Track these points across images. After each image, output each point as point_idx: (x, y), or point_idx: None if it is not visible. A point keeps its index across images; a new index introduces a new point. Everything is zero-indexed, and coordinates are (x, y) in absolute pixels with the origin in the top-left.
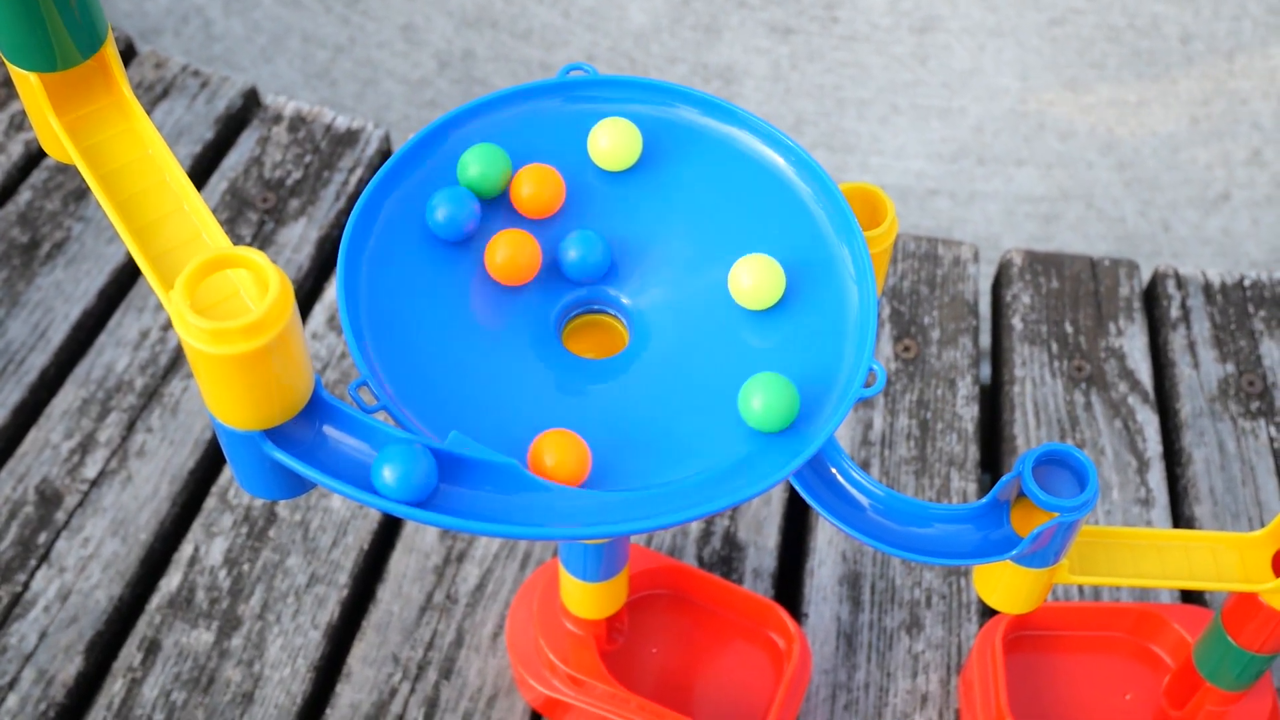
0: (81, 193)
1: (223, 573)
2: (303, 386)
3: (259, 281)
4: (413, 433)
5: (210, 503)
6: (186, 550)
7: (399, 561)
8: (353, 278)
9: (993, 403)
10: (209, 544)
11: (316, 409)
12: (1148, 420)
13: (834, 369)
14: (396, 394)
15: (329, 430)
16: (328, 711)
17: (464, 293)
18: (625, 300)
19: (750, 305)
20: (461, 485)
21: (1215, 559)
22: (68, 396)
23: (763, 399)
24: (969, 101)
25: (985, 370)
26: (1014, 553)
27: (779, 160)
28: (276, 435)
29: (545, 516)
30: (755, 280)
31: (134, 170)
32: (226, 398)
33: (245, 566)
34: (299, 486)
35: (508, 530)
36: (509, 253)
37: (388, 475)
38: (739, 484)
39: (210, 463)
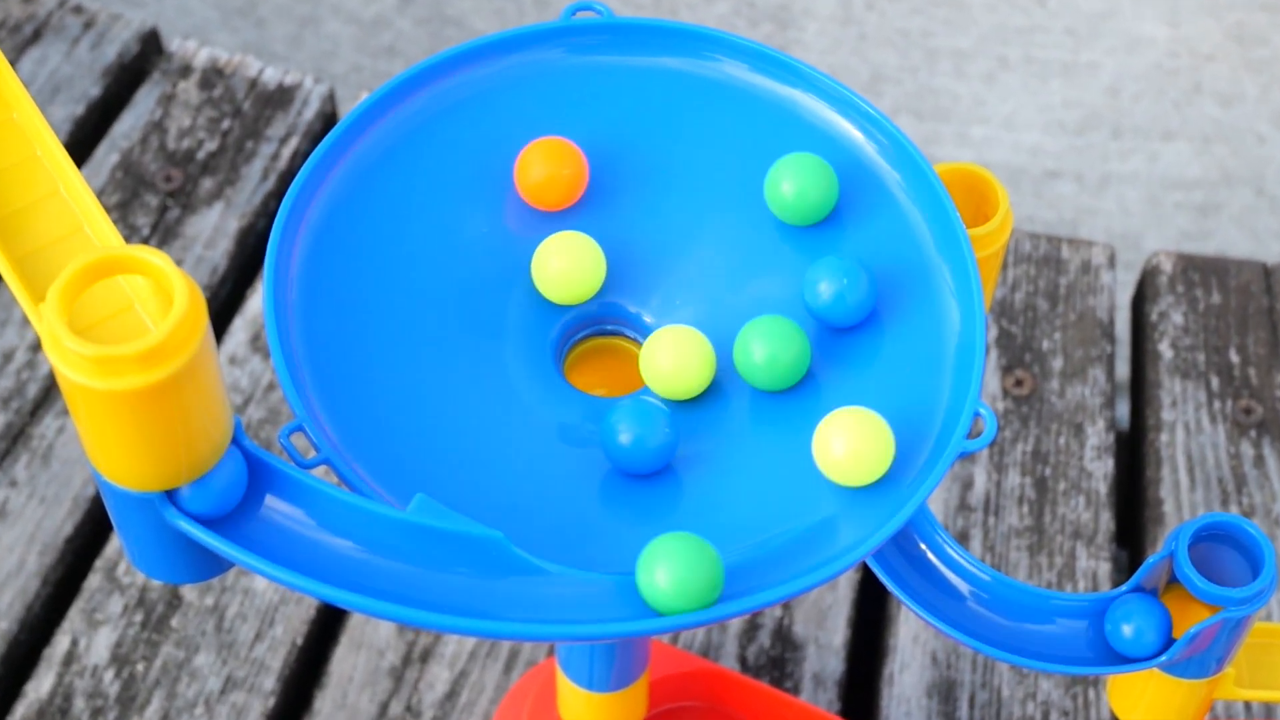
0: None
1: (109, 674)
2: (217, 433)
3: (160, 292)
4: (365, 495)
5: (94, 581)
6: (62, 644)
7: (343, 661)
8: (284, 285)
9: (1132, 456)
10: (92, 636)
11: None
12: None
13: (927, 414)
14: (343, 442)
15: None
16: None
17: (435, 307)
18: (648, 319)
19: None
20: (427, 566)
21: None
22: None
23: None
24: (1101, 54)
25: (1123, 412)
26: (1164, 659)
27: (855, 134)
28: (182, 498)
29: (541, 609)
30: (853, 448)
31: None
32: (115, 448)
33: (140, 666)
34: (211, 566)
35: (491, 628)
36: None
37: None
38: (798, 567)
39: (94, 527)
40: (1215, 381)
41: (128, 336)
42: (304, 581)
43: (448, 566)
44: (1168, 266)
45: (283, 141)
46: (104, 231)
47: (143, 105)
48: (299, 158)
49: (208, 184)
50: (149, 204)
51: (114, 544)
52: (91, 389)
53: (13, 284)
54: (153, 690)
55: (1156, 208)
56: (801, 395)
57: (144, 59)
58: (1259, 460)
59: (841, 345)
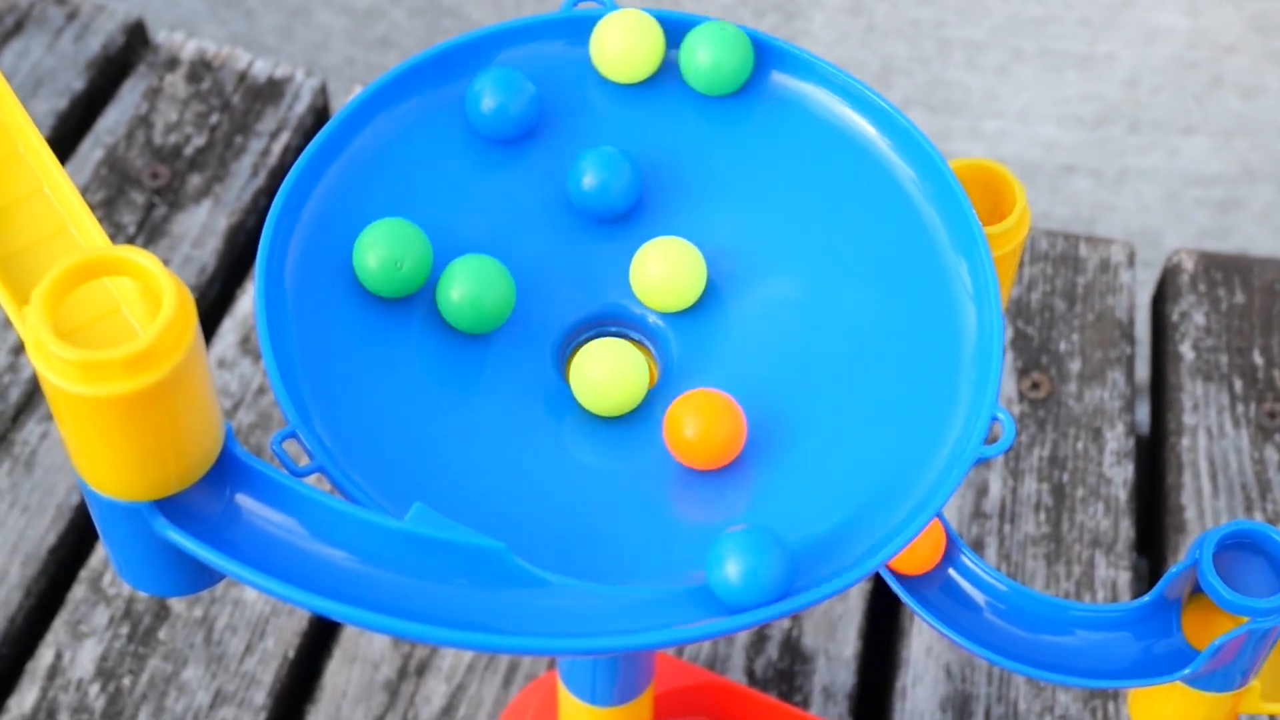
0: None
1: (95, 688)
2: (208, 440)
3: (148, 294)
4: (362, 504)
5: (79, 592)
6: (45, 657)
7: (337, 674)
8: (276, 285)
9: (1153, 461)
10: (76, 648)
11: (227, 471)
12: None
13: (943, 419)
14: (337, 449)
15: (244, 500)
16: None
17: (434, 307)
18: (653, 319)
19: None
20: (425, 577)
21: None
22: None
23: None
24: (1118, 45)
25: (1143, 415)
26: (1187, 671)
27: (867, 128)
28: (171, 507)
29: (543, 621)
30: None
31: None
32: (102, 455)
33: (126, 680)
34: (202, 579)
35: (491, 641)
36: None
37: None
38: (810, 578)
39: (78, 537)
40: (1238, 384)
41: (115, 340)
42: (297, 593)
43: (446, 578)
44: (1189, 265)
45: (273, 137)
46: (89, 231)
47: (128, 99)
48: (290, 153)
49: (196, 181)
50: (135, 201)
51: (99, 554)
52: (77, 395)
53: None
54: (139, 705)
55: (1176, 204)
56: (801, 400)
57: (129, 51)
58: None
59: (850, 345)
